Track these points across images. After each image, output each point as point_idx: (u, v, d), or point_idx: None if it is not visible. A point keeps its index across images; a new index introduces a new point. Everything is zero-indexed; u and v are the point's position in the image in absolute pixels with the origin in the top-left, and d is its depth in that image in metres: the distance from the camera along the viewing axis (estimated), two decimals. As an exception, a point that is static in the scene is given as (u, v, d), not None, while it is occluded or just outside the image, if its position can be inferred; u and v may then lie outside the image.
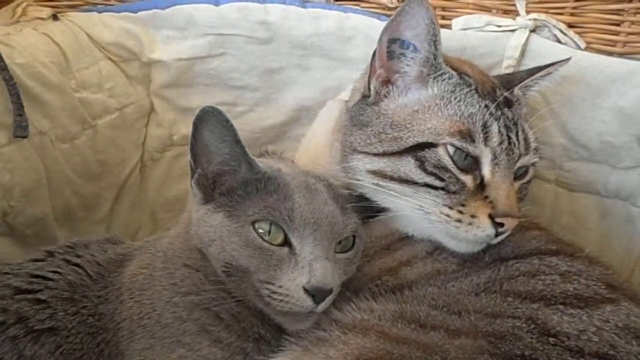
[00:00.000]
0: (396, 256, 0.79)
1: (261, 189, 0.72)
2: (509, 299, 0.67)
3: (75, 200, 1.02)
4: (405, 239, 0.81)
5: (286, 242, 0.70)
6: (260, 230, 0.69)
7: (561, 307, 0.65)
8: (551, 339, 0.61)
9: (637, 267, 1.01)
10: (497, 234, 0.73)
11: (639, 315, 0.65)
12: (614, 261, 0.86)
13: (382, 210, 0.80)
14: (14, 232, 0.91)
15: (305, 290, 0.67)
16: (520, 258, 0.74)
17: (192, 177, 0.75)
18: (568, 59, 0.88)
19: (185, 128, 1.15)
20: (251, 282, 0.69)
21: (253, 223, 0.70)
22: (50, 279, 0.74)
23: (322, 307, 0.68)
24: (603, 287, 0.69)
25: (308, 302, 0.67)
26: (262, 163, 0.75)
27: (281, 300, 0.68)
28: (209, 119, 0.71)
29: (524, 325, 0.63)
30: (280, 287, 0.68)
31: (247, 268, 0.69)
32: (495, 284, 0.71)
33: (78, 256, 0.79)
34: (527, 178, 0.82)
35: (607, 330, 0.62)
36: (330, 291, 0.68)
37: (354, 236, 0.75)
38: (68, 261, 0.78)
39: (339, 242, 0.73)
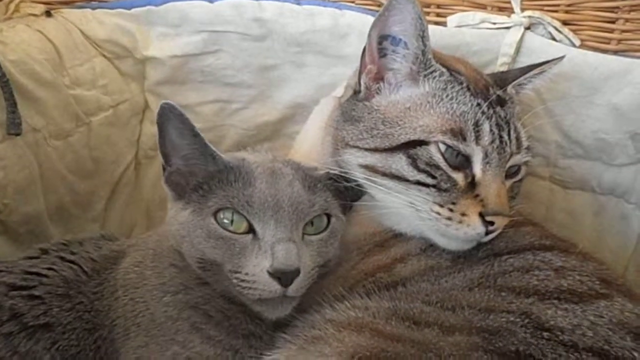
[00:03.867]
0: (390, 253, 0.79)
1: (223, 180, 0.72)
2: (503, 293, 0.68)
3: (69, 198, 1.01)
4: (399, 235, 0.81)
5: (251, 229, 0.69)
6: (225, 221, 0.69)
7: (555, 302, 0.65)
8: (545, 334, 0.61)
9: (631, 264, 1.02)
10: (487, 232, 0.74)
11: (633, 310, 0.65)
12: (608, 258, 0.87)
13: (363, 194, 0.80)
14: (8, 230, 0.91)
15: (270, 273, 0.66)
16: (514, 253, 0.74)
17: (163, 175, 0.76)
18: (562, 57, 0.88)
19: (180, 125, 1.15)
20: (224, 274, 0.69)
21: (215, 214, 0.70)
22: (45, 276, 0.74)
23: (293, 290, 0.67)
24: (597, 282, 0.69)
25: (275, 285, 0.66)
26: (228, 155, 0.75)
27: (250, 288, 0.67)
28: (170, 116, 0.71)
29: (518, 320, 0.63)
30: (247, 274, 0.67)
31: (215, 260, 0.69)
32: (489, 279, 0.71)
33: (73, 253, 0.79)
34: (519, 176, 0.82)
35: (601, 325, 0.62)
36: (297, 272, 0.67)
37: (328, 217, 0.74)
38: (62, 258, 0.78)
39: (312, 224, 0.72)
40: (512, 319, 0.63)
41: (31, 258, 0.78)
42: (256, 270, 0.67)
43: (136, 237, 0.86)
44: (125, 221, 1.17)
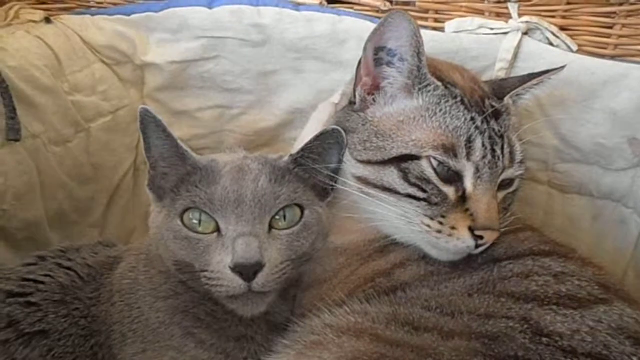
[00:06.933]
0: (390, 259, 0.79)
1: (191, 181, 0.72)
2: (502, 299, 0.67)
3: (68, 204, 1.01)
4: (399, 242, 0.81)
5: (218, 228, 0.69)
6: (194, 221, 0.70)
7: (555, 307, 0.65)
8: (544, 339, 0.61)
9: (629, 268, 1.02)
10: (477, 246, 0.74)
11: (632, 315, 0.65)
12: (607, 262, 0.86)
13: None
14: (7, 237, 0.91)
15: (232, 269, 0.66)
16: (513, 259, 0.74)
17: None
18: (562, 68, 0.88)
19: (179, 131, 1.15)
20: (197, 275, 0.69)
21: (182, 215, 0.70)
22: (42, 282, 0.75)
23: (258, 284, 0.67)
24: (596, 287, 0.69)
25: (238, 281, 0.66)
26: (201, 157, 0.75)
27: (216, 285, 0.67)
28: (149, 120, 0.72)
29: (518, 325, 0.63)
30: (212, 272, 0.67)
31: (185, 261, 0.70)
32: (488, 285, 0.71)
33: (70, 260, 0.79)
34: (512, 188, 0.81)
35: (600, 331, 0.62)
36: (259, 266, 0.66)
37: (302, 210, 0.73)
38: (60, 265, 0.78)
39: (284, 218, 0.71)
40: (511, 324, 0.63)
41: (29, 265, 0.78)
42: (219, 267, 0.67)
43: (133, 242, 0.86)
44: (125, 227, 1.17)
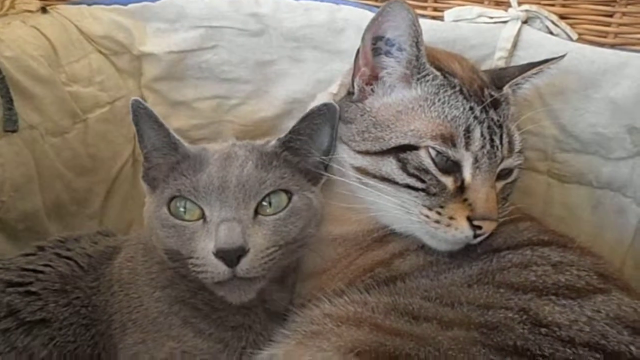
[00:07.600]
0: (389, 248, 0.80)
1: (179, 170, 0.72)
2: (501, 290, 0.68)
3: (66, 194, 1.01)
4: (397, 231, 0.81)
5: (203, 215, 0.69)
6: (181, 209, 0.70)
7: (553, 297, 0.65)
8: (543, 330, 0.61)
9: (628, 258, 1.02)
10: (475, 236, 0.74)
11: (630, 305, 0.66)
12: (606, 252, 0.87)
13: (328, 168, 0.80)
14: (6, 228, 0.91)
15: (215, 254, 0.66)
16: (512, 249, 0.74)
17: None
18: (561, 57, 0.87)
19: (177, 122, 1.15)
20: (185, 262, 0.69)
21: (168, 203, 0.70)
22: (41, 272, 0.75)
23: (242, 270, 0.66)
24: (595, 277, 0.69)
25: (221, 266, 0.66)
26: (192, 146, 0.75)
27: (201, 272, 0.67)
28: (141, 111, 0.72)
29: (516, 316, 0.63)
30: (197, 258, 0.67)
31: (173, 248, 0.70)
32: (487, 275, 0.71)
33: (69, 249, 0.80)
34: (511, 178, 0.81)
35: (598, 320, 0.62)
36: (241, 250, 0.66)
37: (289, 196, 0.72)
38: (59, 254, 0.78)
39: (270, 204, 0.71)
40: (510, 315, 0.64)
41: (28, 255, 0.79)
42: (204, 253, 0.67)
43: (132, 232, 0.87)
44: (123, 218, 1.17)
